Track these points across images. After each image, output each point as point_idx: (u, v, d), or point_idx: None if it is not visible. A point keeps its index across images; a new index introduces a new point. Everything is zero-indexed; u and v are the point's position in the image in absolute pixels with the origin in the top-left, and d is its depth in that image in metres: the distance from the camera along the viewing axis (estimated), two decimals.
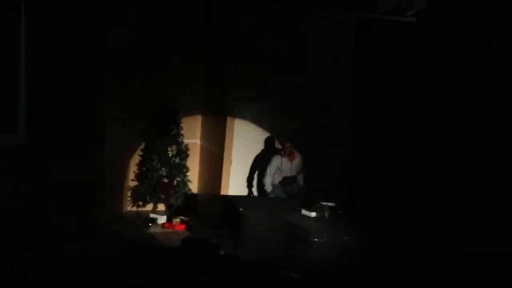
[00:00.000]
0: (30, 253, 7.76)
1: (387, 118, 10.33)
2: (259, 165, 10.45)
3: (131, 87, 10.64)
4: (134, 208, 11.15)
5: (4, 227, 8.39)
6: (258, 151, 10.60)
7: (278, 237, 8.26)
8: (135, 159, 11.11)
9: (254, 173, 10.60)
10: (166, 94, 10.97)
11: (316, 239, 7.61)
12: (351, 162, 10.42)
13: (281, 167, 9.76)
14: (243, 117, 10.49)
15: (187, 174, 11.02)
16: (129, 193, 11.10)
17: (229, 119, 10.33)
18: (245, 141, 10.55)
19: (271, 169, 9.80)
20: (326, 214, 8.57)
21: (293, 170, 9.77)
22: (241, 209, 8.73)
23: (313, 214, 8.56)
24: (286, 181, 9.79)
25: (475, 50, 9.07)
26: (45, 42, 9.44)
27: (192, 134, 11.41)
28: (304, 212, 8.65)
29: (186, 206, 10.96)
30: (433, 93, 9.81)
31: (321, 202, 8.72)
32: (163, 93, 10.95)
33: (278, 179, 9.78)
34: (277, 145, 10.47)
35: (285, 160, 9.74)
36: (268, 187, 9.80)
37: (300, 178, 9.81)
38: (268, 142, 10.57)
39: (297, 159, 9.76)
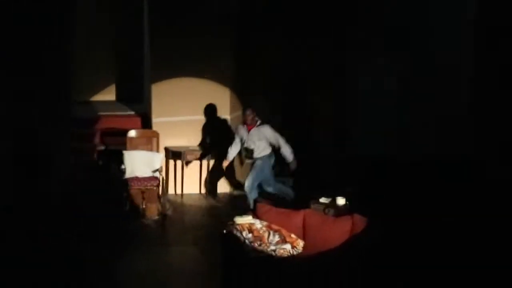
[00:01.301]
0: None
1: None
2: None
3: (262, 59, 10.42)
4: None
5: None
6: None
7: None
8: None
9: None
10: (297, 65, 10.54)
11: None
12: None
13: (243, 137, 8.81)
14: None
15: None
16: None
17: None
18: None
19: (235, 139, 8.97)
20: None
21: (251, 141, 8.67)
22: None
23: None
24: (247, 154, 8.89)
25: None
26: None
27: None
28: None
29: None
30: None
31: None
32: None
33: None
34: None
35: (244, 129, 8.78)
36: (229, 157, 9.10)
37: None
38: None
39: (257, 129, 8.61)
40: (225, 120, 10.17)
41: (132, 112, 10.55)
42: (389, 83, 9.23)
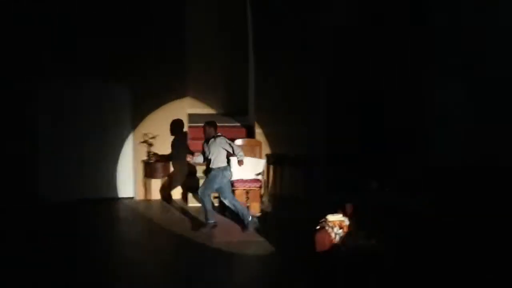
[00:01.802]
0: None
1: None
2: None
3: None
4: None
5: None
6: None
7: None
8: None
9: None
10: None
11: None
12: None
13: (205, 149, 9.63)
14: None
15: None
16: None
17: None
18: None
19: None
20: None
21: (208, 151, 9.49)
22: None
23: None
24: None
25: None
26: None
27: None
28: None
29: None
30: None
31: None
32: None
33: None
34: None
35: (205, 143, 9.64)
36: (196, 158, 9.75)
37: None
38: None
39: (213, 140, 9.41)
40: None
41: (238, 124, 11.58)
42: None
